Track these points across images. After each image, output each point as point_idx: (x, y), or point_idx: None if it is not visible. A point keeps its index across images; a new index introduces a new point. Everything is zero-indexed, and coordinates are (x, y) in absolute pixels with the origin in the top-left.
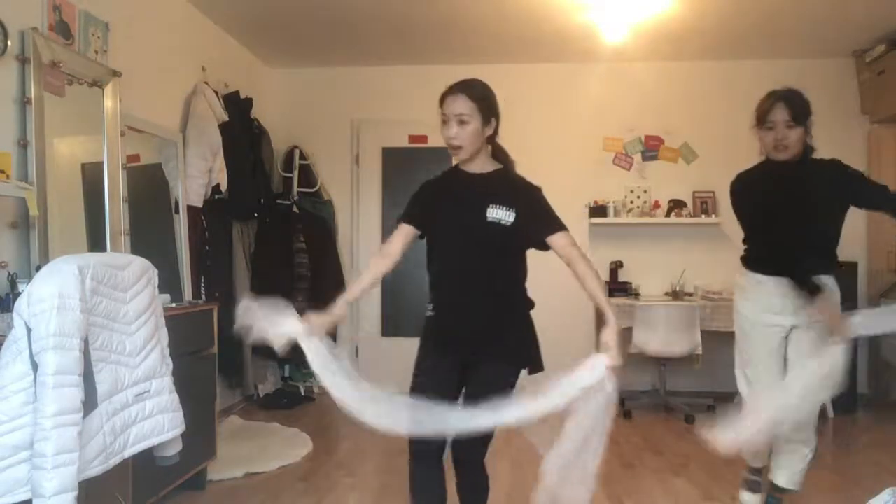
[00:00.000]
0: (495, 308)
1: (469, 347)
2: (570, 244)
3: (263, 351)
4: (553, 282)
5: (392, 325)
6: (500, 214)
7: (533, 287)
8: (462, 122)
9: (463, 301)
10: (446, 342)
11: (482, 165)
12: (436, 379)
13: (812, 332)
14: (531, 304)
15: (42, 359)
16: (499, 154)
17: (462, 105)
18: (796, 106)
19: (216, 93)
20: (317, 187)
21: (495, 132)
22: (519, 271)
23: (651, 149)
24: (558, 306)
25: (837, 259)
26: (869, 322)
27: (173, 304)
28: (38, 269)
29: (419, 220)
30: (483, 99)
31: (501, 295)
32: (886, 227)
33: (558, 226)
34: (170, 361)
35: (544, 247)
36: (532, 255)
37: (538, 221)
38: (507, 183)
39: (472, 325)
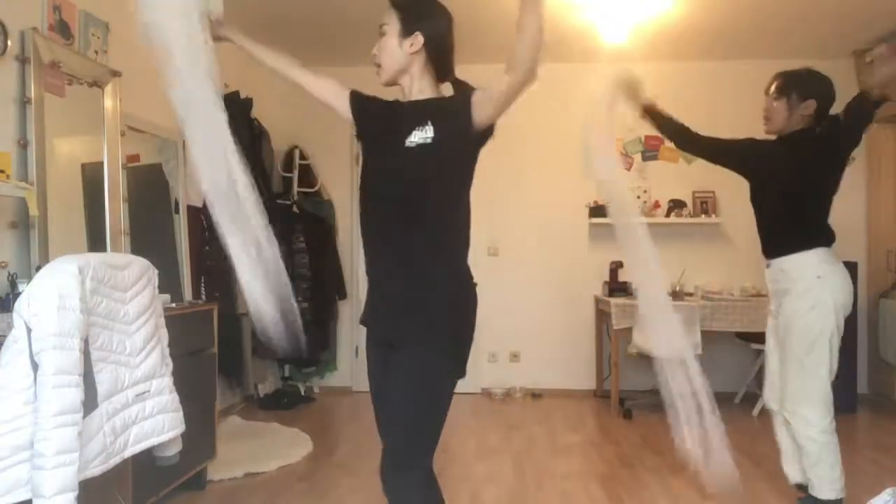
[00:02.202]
0: (414, 271)
1: (388, 327)
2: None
3: (264, 351)
4: (552, 282)
5: None
6: (419, 136)
7: (531, 285)
8: (382, 35)
9: (383, 263)
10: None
11: (417, 91)
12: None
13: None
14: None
15: (42, 359)
16: (455, 86)
17: (386, 14)
18: (784, 78)
19: None
20: (317, 187)
21: (430, 52)
22: (449, 217)
23: (651, 149)
24: (557, 306)
25: (823, 233)
26: None
27: (173, 304)
28: (38, 269)
29: (360, 114)
30: (405, 4)
31: (422, 253)
32: (886, 226)
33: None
34: (170, 361)
35: (477, 126)
36: (530, 252)
37: (455, 102)
38: (435, 102)
39: (391, 296)
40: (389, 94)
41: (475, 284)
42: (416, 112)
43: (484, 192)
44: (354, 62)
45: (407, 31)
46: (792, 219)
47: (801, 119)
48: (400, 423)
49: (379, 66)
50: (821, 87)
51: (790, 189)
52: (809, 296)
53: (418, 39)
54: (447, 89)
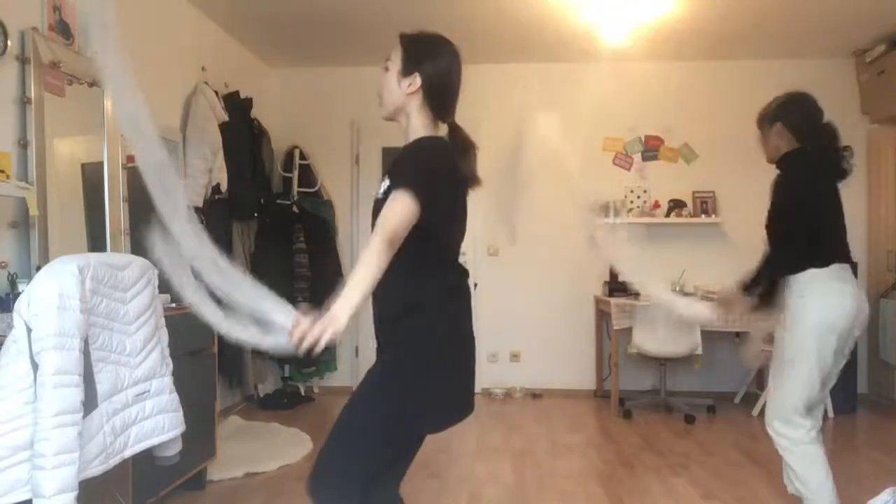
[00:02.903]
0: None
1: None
2: (385, 208)
3: (263, 351)
4: (552, 282)
5: None
6: (382, 188)
7: (531, 285)
8: (385, 70)
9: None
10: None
11: (412, 131)
12: None
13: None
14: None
15: (42, 359)
16: (451, 130)
17: (393, 48)
18: (759, 114)
19: (216, 93)
20: (317, 187)
21: (427, 94)
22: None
23: (651, 149)
24: (558, 306)
25: (819, 253)
26: None
27: (173, 304)
28: (38, 269)
29: None
30: (409, 43)
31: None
32: (886, 226)
33: (398, 184)
34: (170, 361)
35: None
36: (530, 252)
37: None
38: (398, 155)
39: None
40: (391, 128)
41: (464, 315)
42: (386, 169)
43: (484, 192)
44: (362, 62)
45: (406, 71)
46: (784, 239)
47: (780, 143)
48: (330, 434)
49: (380, 99)
50: (784, 107)
51: (781, 207)
52: (798, 316)
53: (416, 81)
54: (444, 131)
